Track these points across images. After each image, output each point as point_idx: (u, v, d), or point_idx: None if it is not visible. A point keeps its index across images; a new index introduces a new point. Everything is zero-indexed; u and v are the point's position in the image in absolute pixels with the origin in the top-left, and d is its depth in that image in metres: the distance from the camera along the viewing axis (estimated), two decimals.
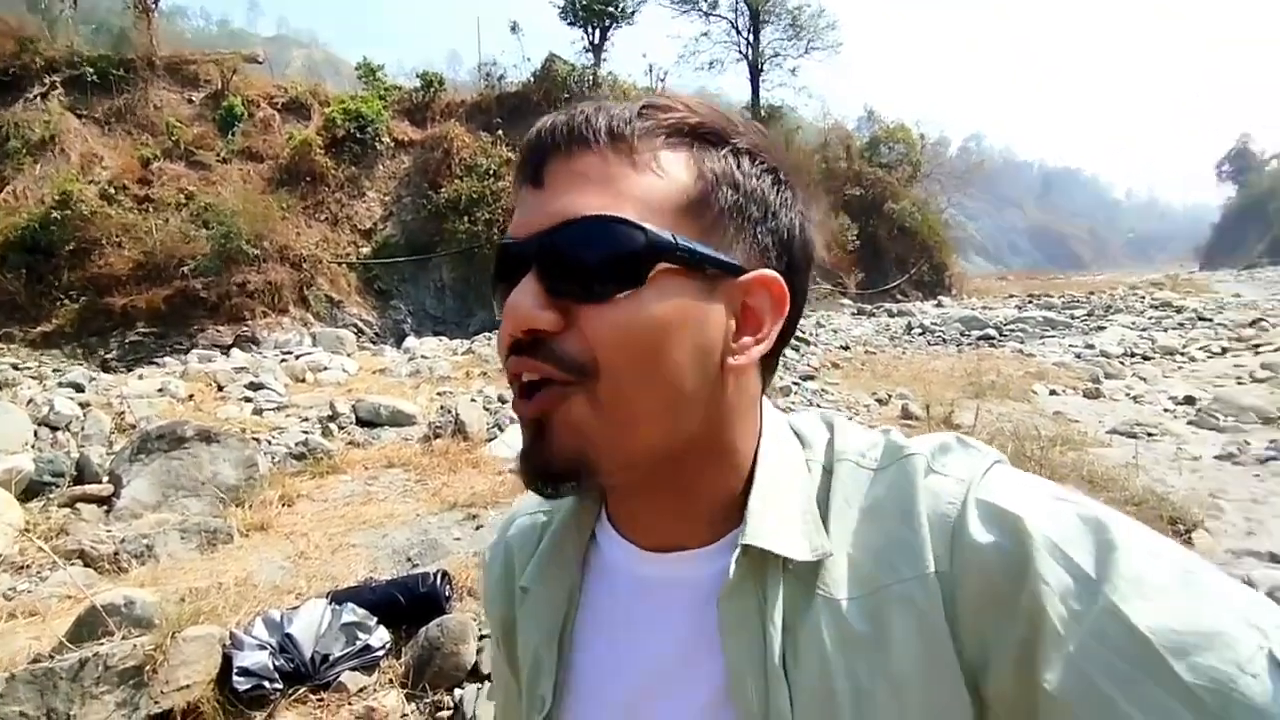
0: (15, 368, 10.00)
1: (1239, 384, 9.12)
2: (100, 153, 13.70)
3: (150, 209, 13.35)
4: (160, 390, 8.02)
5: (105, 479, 5.86)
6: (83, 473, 5.86)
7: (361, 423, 7.00)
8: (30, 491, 5.42)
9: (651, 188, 0.47)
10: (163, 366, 10.47)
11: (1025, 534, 0.44)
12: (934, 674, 0.45)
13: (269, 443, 6.66)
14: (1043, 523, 0.44)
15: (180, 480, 5.92)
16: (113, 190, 13.35)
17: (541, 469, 0.48)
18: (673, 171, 0.48)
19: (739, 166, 0.50)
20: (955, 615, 0.45)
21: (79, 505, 5.29)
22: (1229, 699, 0.37)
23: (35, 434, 6.52)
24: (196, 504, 5.68)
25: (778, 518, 0.50)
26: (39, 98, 13.66)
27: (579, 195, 0.47)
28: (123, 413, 6.84)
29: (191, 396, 8.10)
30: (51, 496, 5.42)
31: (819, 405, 7.53)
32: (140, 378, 9.25)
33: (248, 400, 8.09)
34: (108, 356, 12.39)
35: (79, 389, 7.85)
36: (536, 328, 0.47)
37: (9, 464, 5.49)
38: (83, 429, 6.74)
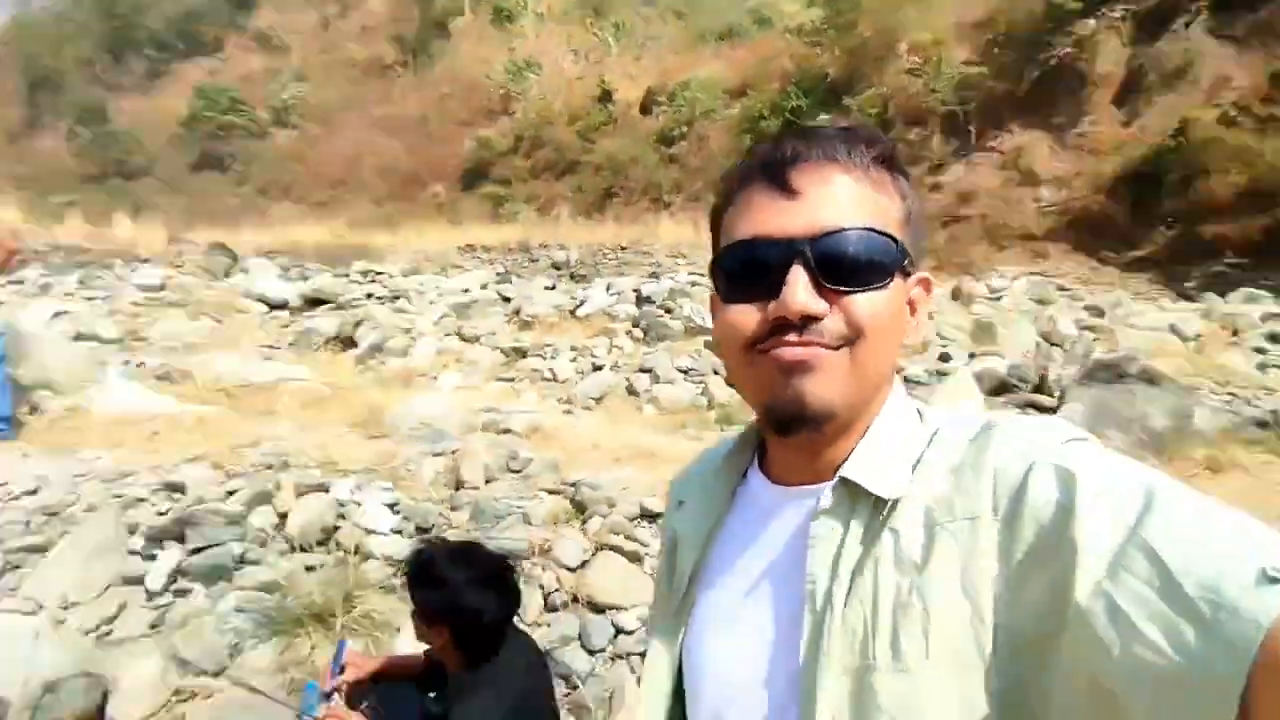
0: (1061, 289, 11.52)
1: None
2: (1231, 74, 13.21)
3: (1270, 130, 12.17)
4: (1171, 327, 8.01)
5: (1056, 394, 6.75)
6: (1042, 384, 6.90)
7: None
8: (997, 390, 6.86)
9: (891, 207, 0.63)
10: (1217, 301, 10.00)
11: (1077, 486, 0.52)
12: (959, 600, 0.54)
13: (1229, 399, 6.01)
14: (1094, 477, 0.52)
15: (1110, 412, 6.26)
16: (1234, 113, 12.82)
17: (796, 411, 0.61)
18: (895, 194, 0.64)
19: (910, 188, 0.66)
20: (1010, 554, 0.53)
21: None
22: (1220, 607, 0.42)
23: (1036, 345, 7.89)
24: (1121, 439, 5.93)
25: (876, 461, 0.62)
26: (1183, 26, 14.10)
27: (838, 209, 0.60)
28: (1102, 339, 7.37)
29: (1199, 337, 7.75)
30: (1007, 400, 6.72)
31: None
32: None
33: (1260, 352, 7.16)
34: (1188, 285, 12.52)
35: (1099, 313, 8.72)
36: (810, 312, 0.59)
37: (990, 364, 7.08)
38: (1072, 347, 7.70)
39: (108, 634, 2.48)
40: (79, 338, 6.19)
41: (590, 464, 3.57)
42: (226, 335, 6.37)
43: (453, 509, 3.08)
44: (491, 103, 38.06)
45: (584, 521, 2.96)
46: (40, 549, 2.76)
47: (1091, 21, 16.18)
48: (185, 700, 2.26)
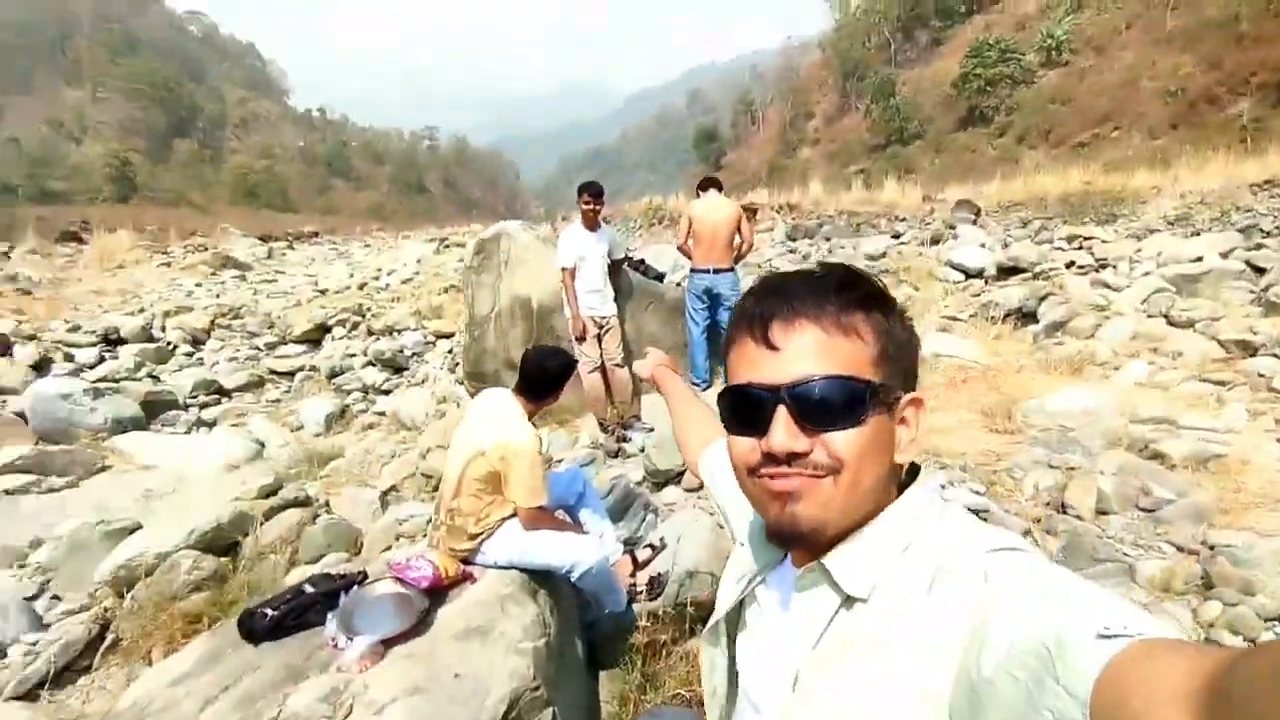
0: None
1: None
2: None
3: None
4: None
5: None
6: None
7: None
8: None
9: (861, 350, 0.71)
10: None
11: (992, 589, 0.61)
12: (912, 683, 0.63)
13: None
14: (1005, 580, 0.61)
15: None
16: None
17: (790, 530, 0.73)
18: (868, 334, 0.71)
19: (890, 319, 0.74)
20: (950, 645, 0.62)
21: None
22: (1067, 663, 0.49)
23: None
24: None
25: (854, 559, 0.71)
26: None
27: (811, 359, 0.70)
28: None
29: None
30: None
31: None
32: None
33: None
34: None
35: None
36: (792, 450, 0.70)
37: None
38: None
39: None
40: None
41: (1263, 523, 2.54)
42: (919, 304, 6.90)
43: (1047, 533, 2.75)
44: None
45: (1204, 600, 2.19)
46: None
47: None
48: None
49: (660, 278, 5.91)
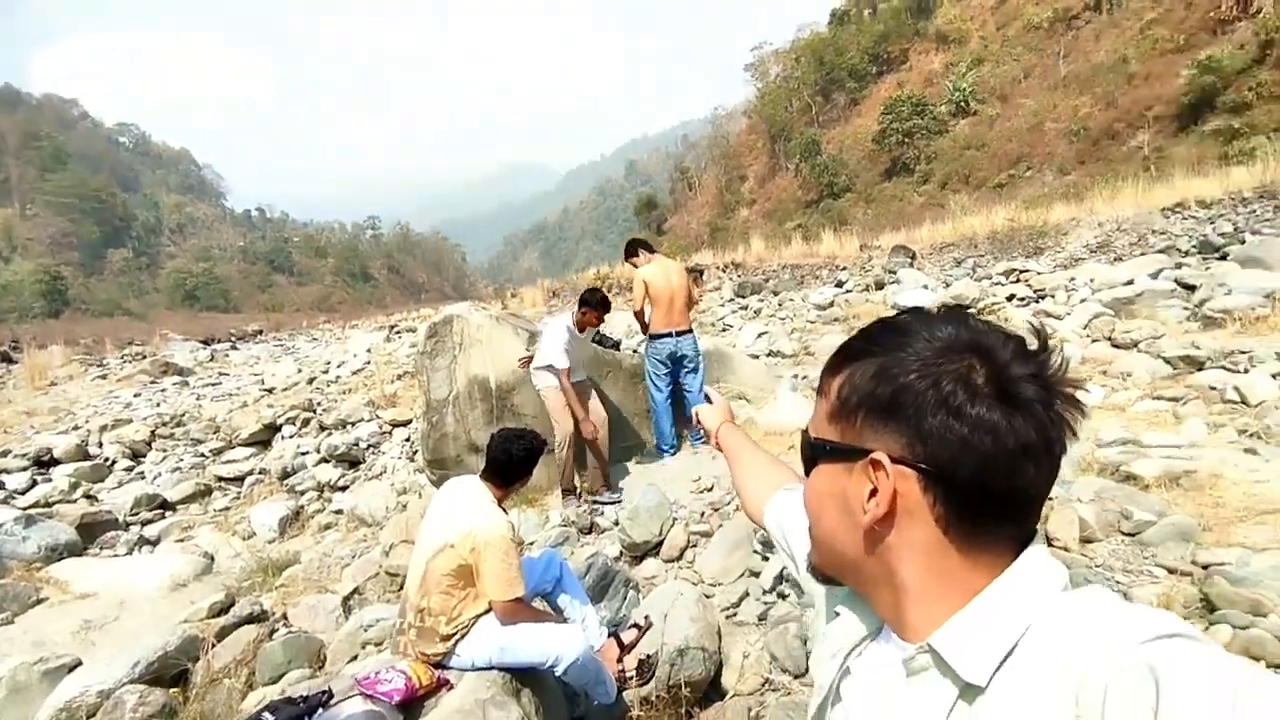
0: None
1: None
2: None
3: None
4: None
5: None
6: None
7: None
8: None
9: (822, 406, 0.74)
10: None
11: (1160, 700, 0.50)
12: None
13: None
14: (1180, 687, 0.49)
15: None
16: None
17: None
18: (831, 391, 0.72)
19: (857, 375, 0.69)
20: None
21: None
22: None
23: None
24: None
25: (969, 636, 0.62)
26: None
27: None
28: None
29: None
30: None
31: None
32: None
33: None
34: None
35: None
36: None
37: None
38: None
39: (733, 615, 3.22)
40: (771, 354, 7.87)
41: (1251, 537, 2.54)
42: None
43: None
44: (1220, 10, 30.12)
45: (1208, 625, 2.14)
46: (706, 534, 3.78)
47: None
48: (770, 691, 2.75)
49: (616, 346, 5.87)
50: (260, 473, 8.00)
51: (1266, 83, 24.98)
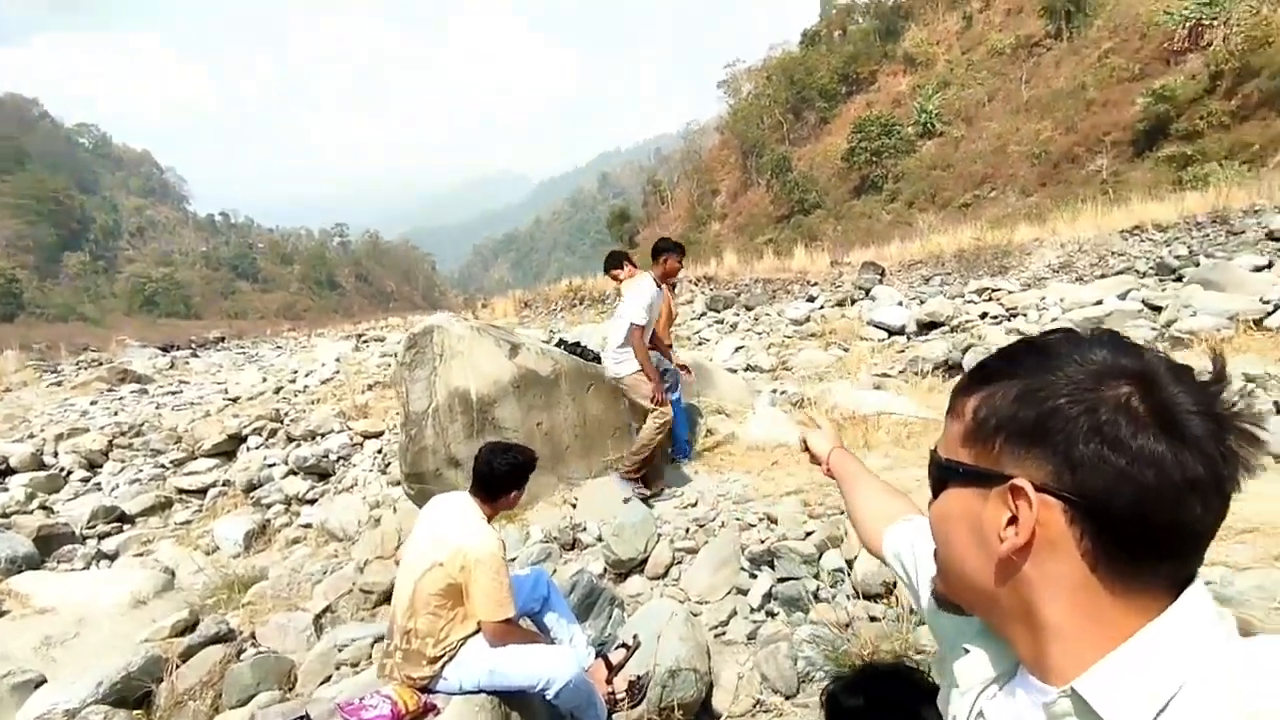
0: None
1: None
2: None
3: None
4: None
5: None
6: None
7: None
8: None
9: (954, 427, 0.71)
10: None
11: None
12: None
13: None
14: None
15: None
16: None
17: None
18: (966, 411, 0.69)
19: (998, 397, 0.66)
20: None
21: None
22: None
23: None
24: None
25: (1119, 684, 0.58)
26: None
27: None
28: None
29: None
30: None
31: None
32: None
33: None
34: None
35: None
36: None
37: None
38: None
39: (722, 633, 3.18)
40: (749, 368, 7.91)
41: (1233, 556, 2.60)
42: (849, 362, 7.09)
43: None
44: (1172, 43, 31.21)
45: None
46: (692, 551, 3.74)
47: None
48: (763, 713, 2.72)
49: (596, 358, 5.83)
50: (224, 485, 7.77)
51: (1216, 112, 26.00)
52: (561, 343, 6.24)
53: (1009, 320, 7.06)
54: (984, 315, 7.32)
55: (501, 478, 2.58)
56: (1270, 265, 8.78)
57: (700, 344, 9.75)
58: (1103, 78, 33.28)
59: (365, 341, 16.65)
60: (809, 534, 3.35)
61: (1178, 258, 9.74)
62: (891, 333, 7.62)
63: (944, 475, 0.71)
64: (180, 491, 7.80)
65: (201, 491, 7.76)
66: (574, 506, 4.72)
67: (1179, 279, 8.37)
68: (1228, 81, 26.54)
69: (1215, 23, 27.02)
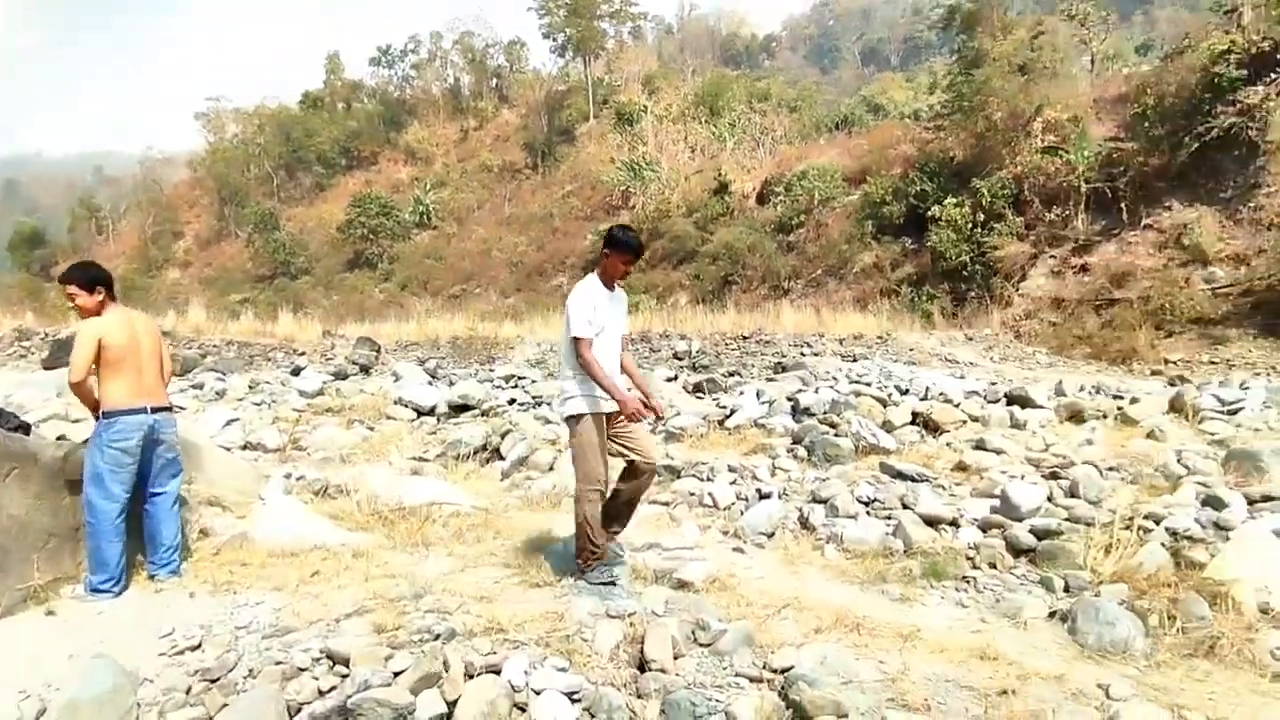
0: None
1: None
2: None
3: None
4: None
5: None
6: None
7: None
8: None
9: None
10: None
11: None
12: None
13: None
14: None
15: None
16: None
17: None
18: None
19: None
20: None
21: None
22: None
23: None
24: None
25: None
26: None
27: None
28: None
29: None
30: None
31: None
32: None
33: None
34: None
35: None
36: None
37: None
38: None
39: None
40: (247, 446, 6.40)
41: (788, 634, 2.98)
42: (377, 443, 6.39)
43: (639, 696, 2.58)
44: (612, 199, 39.70)
45: None
46: None
47: (1259, 89, 14.99)
48: None
49: (25, 429, 3.83)
50: None
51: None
52: None
53: (536, 407, 7.44)
54: (513, 401, 7.56)
55: None
56: (675, 377, 11.58)
57: (177, 412, 7.54)
58: (565, 212, 40.34)
59: None
60: (398, 674, 2.55)
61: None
62: (421, 413, 7.20)
63: None
64: None
65: None
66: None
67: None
68: (644, 235, 35.03)
69: (636, 193, 35.57)
